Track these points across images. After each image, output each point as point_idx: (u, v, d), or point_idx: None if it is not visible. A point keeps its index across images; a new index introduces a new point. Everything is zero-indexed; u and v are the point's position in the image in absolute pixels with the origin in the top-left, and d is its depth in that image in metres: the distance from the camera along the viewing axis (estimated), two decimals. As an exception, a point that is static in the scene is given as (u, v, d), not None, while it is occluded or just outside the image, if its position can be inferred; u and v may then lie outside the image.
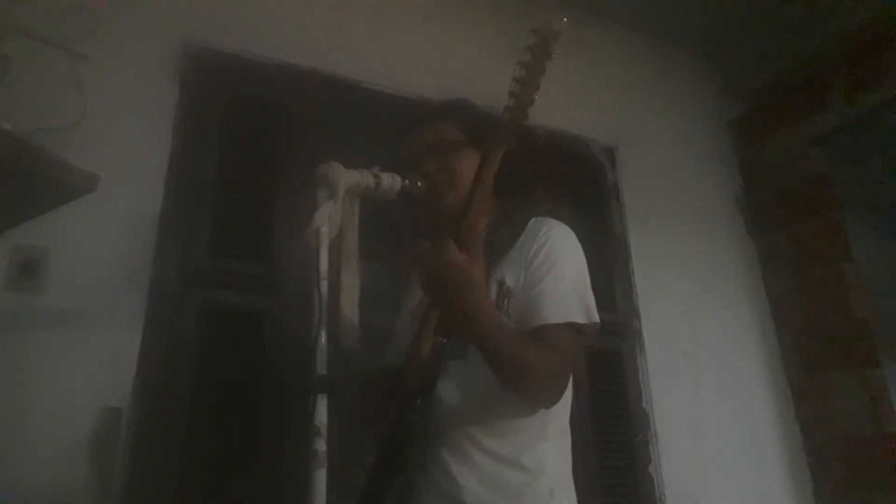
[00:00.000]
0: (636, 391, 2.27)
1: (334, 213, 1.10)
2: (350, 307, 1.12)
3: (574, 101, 2.54)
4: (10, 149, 1.03)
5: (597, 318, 1.14)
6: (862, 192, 3.43)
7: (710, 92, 3.06)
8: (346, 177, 1.12)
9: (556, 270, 1.12)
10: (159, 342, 1.61)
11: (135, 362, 1.57)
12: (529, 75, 0.98)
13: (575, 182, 2.49)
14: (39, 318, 1.52)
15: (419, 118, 1.33)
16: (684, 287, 2.57)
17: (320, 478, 0.92)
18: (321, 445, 0.94)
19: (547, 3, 2.50)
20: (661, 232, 2.58)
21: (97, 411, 1.49)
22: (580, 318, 1.11)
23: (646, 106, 2.80)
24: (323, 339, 1.02)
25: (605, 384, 2.21)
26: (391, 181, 1.17)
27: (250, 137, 1.91)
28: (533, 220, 1.22)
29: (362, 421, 1.26)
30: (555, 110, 2.40)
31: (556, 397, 1.12)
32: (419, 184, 1.19)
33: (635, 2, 2.74)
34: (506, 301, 1.13)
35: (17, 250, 1.52)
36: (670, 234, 2.61)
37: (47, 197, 1.23)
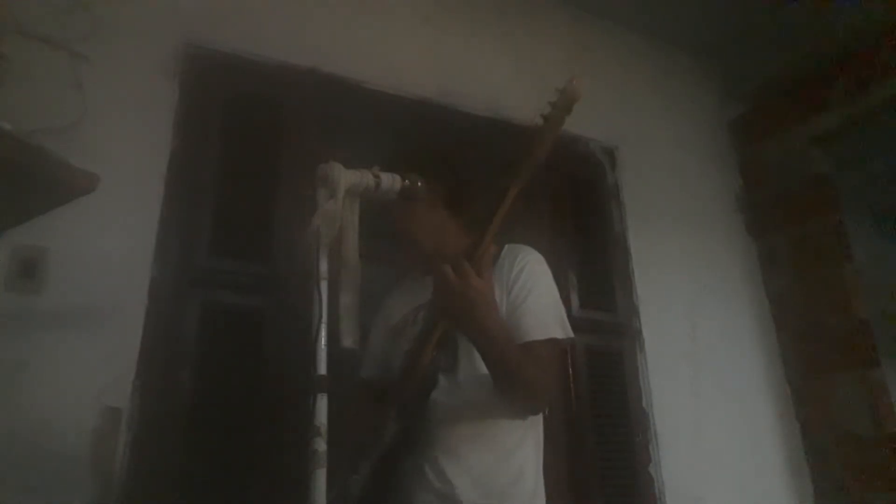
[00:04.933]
0: (636, 391, 2.27)
1: (334, 213, 1.10)
2: (350, 307, 1.12)
3: (574, 101, 2.54)
4: (10, 149, 1.03)
5: (571, 333, 1.26)
6: (862, 192, 3.42)
7: (710, 92, 3.06)
8: (346, 177, 1.12)
9: (534, 293, 1.23)
10: (159, 342, 1.61)
11: (135, 362, 1.57)
12: (548, 127, 1.08)
13: (575, 182, 2.49)
14: (39, 318, 1.52)
15: None
16: (684, 287, 2.57)
17: (320, 478, 0.92)
18: (321, 445, 0.94)
19: (547, 5, 2.52)
20: (661, 232, 2.58)
21: (97, 411, 1.50)
22: (559, 335, 1.23)
23: (646, 106, 2.80)
24: (323, 339, 1.02)
25: (605, 384, 2.21)
26: (391, 181, 1.17)
27: (250, 137, 1.91)
28: (507, 246, 1.32)
29: (360, 425, 1.29)
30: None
31: (545, 405, 1.26)
32: (419, 184, 1.20)
33: (635, 2, 2.74)
34: None
35: (17, 250, 1.52)
36: (670, 234, 2.61)
37: (47, 197, 1.23)
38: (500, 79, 2.42)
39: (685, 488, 2.21)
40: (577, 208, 2.44)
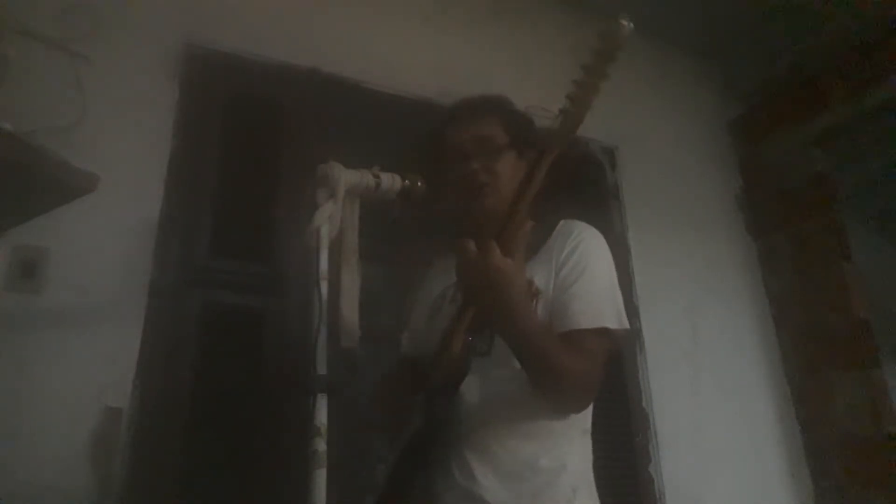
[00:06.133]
0: (636, 391, 2.27)
1: (334, 213, 1.10)
2: (350, 307, 1.12)
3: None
4: (10, 149, 1.03)
5: (627, 324, 1.13)
6: (862, 192, 3.42)
7: (710, 92, 3.06)
8: (346, 177, 1.12)
9: (588, 274, 1.11)
10: (159, 342, 1.61)
11: (135, 362, 1.57)
12: (590, 79, 0.96)
13: (575, 182, 2.49)
14: (39, 318, 1.52)
15: (462, 109, 1.28)
16: (684, 287, 2.57)
17: (320, 478, 0.92)
18: (321, 445, 0.94)
19: (546, 5, 2.51)
20: (661, 232, 2.58)
21: (97, 411, 1.49)
22: (612, 324, 1.10)
23: (646, 106, 2.79)
24: (323, 339, 1.02)
25: (605, 384, 2.20)
26: (391, 181, 1.17)
27: (250, 137, 1.91)
28: (562, 222, 1.23)
29: (386, 418, 1.24)
30: (555, 110, 2.40)
31: (586, 403, 1.14)
32: (419, 184, 1.20)
33: (635, 2, 2.74)
34: (534, 301, 1.11)
35: (17, 250, 1.52)
36: (670, 234, 2.61)
37: (47, 197, 1.24)
38: (500, 79, 2.42)
39: (685, 488, 2.21)
40: (576, 208, 2.43)
